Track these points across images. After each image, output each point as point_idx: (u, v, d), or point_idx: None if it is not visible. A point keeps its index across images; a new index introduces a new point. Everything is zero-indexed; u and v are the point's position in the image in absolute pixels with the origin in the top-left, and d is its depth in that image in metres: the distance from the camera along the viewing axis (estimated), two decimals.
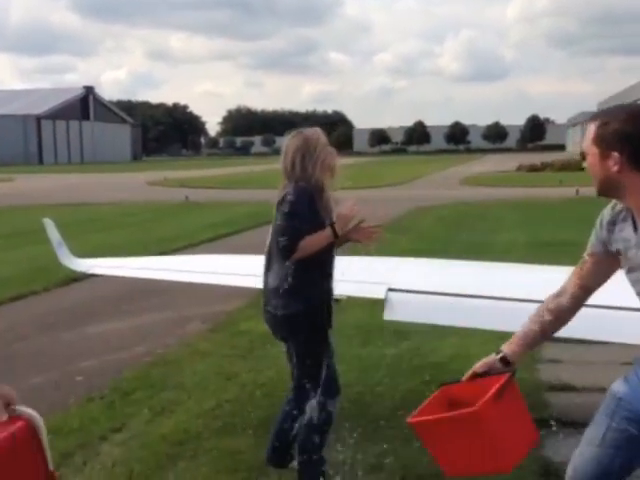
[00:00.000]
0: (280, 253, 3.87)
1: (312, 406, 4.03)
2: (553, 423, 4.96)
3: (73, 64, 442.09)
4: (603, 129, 2.47)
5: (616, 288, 5.04)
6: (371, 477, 4.19)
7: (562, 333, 4.77)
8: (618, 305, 4.24)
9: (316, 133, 4.00)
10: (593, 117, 2.57)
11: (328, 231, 3.88)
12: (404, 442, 4.61)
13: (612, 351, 6.17)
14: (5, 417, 2.27)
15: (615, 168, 2.46)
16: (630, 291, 4.32)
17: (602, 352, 6.30)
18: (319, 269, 3.95)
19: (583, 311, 4.24)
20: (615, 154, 2.45)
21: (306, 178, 3.89)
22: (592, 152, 2.52)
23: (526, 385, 5.74)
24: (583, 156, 2.61)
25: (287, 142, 3.99)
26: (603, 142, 2.47)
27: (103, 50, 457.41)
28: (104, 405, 5.61)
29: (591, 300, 4.35)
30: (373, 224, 4.04)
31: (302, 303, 3.92)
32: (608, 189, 2.56)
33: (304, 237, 3.81)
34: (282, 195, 3.94)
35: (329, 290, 4.03)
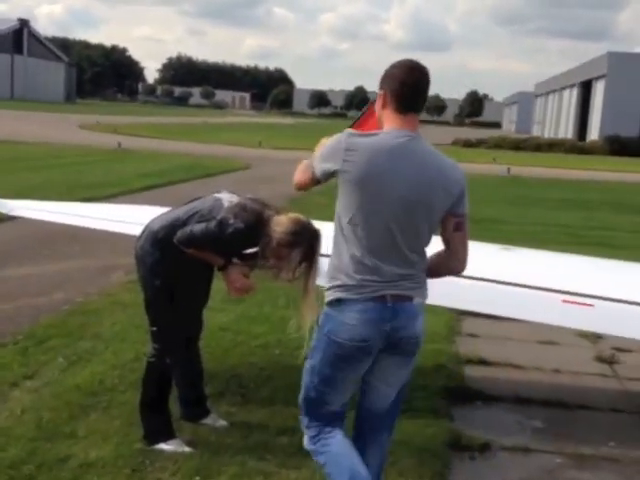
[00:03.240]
0: (175, 240, 3.76)
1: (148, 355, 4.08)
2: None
3: None
4: None
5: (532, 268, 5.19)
6: (284, 439, 4.20)
7: (477, 308, 4.92)
8: (535, 285, 4.37)
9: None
10: None
11: (220, 262, 3.83)
12: None
13: (525, 329, 6.37)
14: None
15: None
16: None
17: (516, 329, 6.48)
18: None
19: (497, 288, 4.38)
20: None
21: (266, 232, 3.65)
22: None
23: (444, 357, 5.88)
24: None
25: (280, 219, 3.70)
26: None
27: None
28: (17, 351, 5.46)
29: (506, 278, 4.49)
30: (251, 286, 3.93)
31: (153, 249, 3.90)
32: None
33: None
34: (237, 205, 3.77)
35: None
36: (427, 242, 2.96)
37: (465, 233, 2.96)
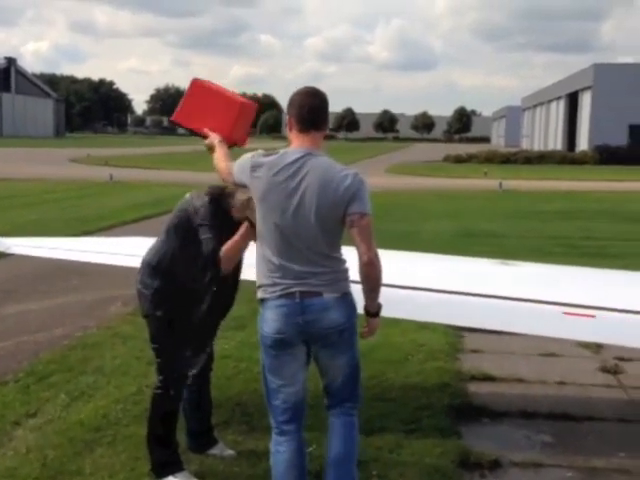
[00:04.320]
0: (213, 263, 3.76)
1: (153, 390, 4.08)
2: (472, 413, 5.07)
3: None
4: None
5: (534, 283, 5.19)
6: None
7: (480, 324, 4.92)
8: (536, 298, 4.37)
9: None
10: None
11: (242, 228, 3.76)
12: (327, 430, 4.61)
13: (528, 342, 6.36)
14: None
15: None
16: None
17: (519, 343, 6.47)
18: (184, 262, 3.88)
19: (498, 303, 4.38)
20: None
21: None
22: None
23: (447, 375, 5.85)
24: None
25: None
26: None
27: (23, 20, 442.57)
28: (18, 389, 5.42)
29: (513, 293, 4.49)
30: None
31: (152, 280, 3.91)
32: None
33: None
34: (196, 191, 3.96)
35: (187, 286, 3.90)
36: (330, 243, 3.31)
37: (360, 229, 3.25)
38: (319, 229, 3.25)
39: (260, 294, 3.35)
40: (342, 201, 3.23)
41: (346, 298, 3.35)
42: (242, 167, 3.40)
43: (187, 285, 3.88)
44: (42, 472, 4.09)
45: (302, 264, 3.27)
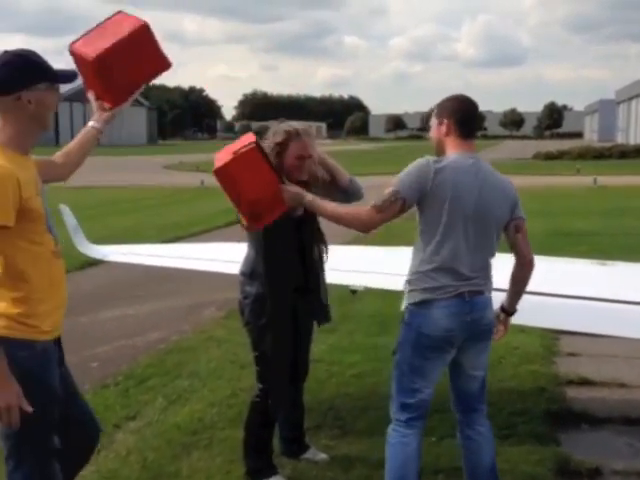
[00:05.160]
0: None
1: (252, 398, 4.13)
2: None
3: None
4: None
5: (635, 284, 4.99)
6: (382, 471, 4.13)
7: (578, 328, 4.76)
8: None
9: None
10: None
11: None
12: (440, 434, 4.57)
13: (630, 345, 6.11)
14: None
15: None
16: None
17: (620, 346, 6.23)
18: (272, 254, 3.87)
19: (604, 306, 4.21)
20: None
21: None
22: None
23: (544, 379, 5.70)
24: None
25: None
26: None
27: None
28: (118, 392, 5.60)
29: (612, 295, 4.32)
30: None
31: (250, 288, 3.95)
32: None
33: None
34: None
35: (279, 280, 3.89)
36: (495, 246, 3.48)
37: (523, 233, 3.49)
38: (495, 230, 3.44)
39: (422, 296, 3.38)
40: (512, 206, 3.45)
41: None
42: (422, 173, 3.30)
43: (285, 291, 3.91)
44: (142, 474, 4.21)
45: (472, 267, 3.37)
